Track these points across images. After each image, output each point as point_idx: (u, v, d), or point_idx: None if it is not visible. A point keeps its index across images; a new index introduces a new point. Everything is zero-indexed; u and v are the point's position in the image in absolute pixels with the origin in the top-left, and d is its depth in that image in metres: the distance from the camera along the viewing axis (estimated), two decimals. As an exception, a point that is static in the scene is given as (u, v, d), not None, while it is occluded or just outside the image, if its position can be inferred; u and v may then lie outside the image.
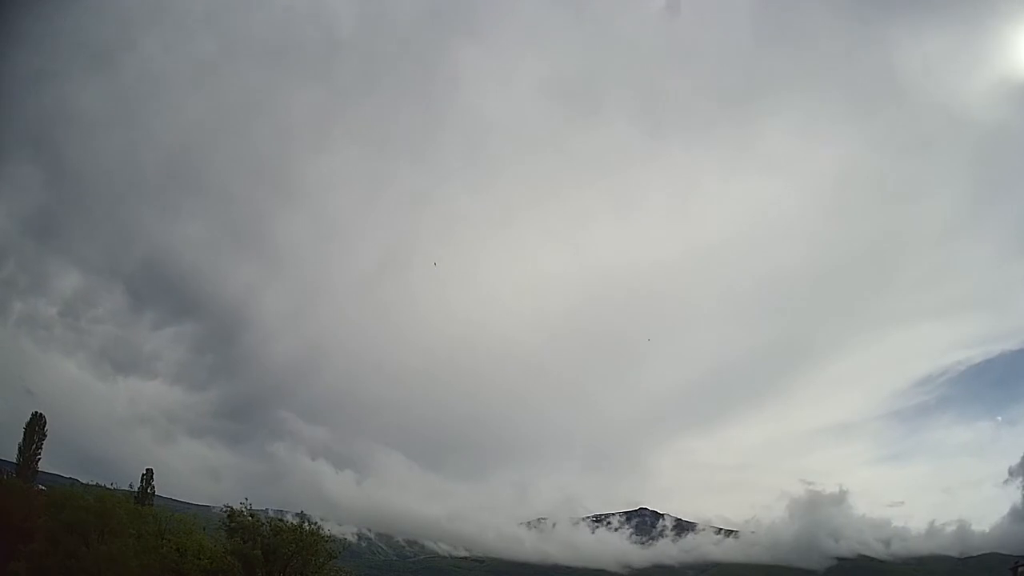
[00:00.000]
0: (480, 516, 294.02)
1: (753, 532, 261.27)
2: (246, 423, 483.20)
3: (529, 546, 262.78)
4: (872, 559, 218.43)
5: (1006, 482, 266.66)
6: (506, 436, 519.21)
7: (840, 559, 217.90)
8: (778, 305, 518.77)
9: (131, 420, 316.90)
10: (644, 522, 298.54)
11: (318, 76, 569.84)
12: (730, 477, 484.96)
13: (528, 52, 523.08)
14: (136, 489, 77.14)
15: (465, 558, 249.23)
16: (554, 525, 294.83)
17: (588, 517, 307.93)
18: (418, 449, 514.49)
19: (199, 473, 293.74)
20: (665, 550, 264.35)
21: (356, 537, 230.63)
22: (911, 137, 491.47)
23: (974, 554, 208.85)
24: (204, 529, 52.22)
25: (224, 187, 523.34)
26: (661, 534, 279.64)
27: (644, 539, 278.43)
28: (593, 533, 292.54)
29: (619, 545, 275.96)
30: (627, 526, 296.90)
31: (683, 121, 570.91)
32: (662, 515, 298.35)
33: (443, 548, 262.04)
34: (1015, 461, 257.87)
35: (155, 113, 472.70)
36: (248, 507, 47.74)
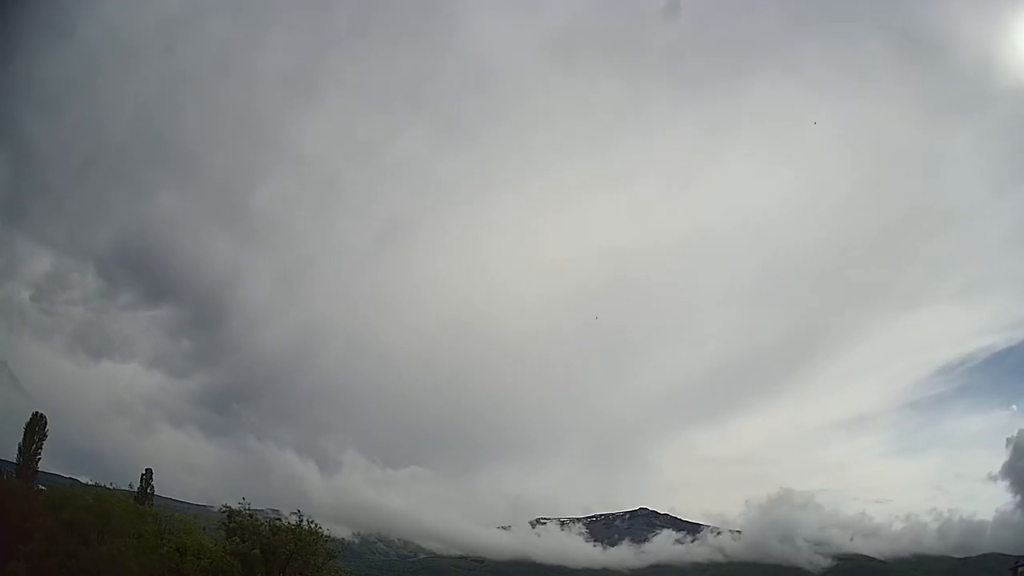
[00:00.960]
0: (467, 514, 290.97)
1: (739, 531, 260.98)
2: (228, 414, 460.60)
3: (518, 546, 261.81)
4: (872, 559, 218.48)
5: (994, 479, 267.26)
6: (498, 431, 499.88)
7: (840, 559, 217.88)
8: (790, 291, 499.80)
9: (107, 408, 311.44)
10: (644, 522, 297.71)
11: (299, 23, 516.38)
12: (738, 472, 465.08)
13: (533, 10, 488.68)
14: (136, 489, 77.33)
15: (464, 558, 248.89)
16: (542, 524, 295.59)
17: (585, 518, 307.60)
18: (408, 444, 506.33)
19: (176, 464, 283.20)
20: (663, 549, 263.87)
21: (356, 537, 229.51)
22: (933, 108, 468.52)
23: (974, 554, 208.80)
24: (204, 529, 52.32)
25: (198, 157, 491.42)
26: (658, 534, 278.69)
27: (642, 541, 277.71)
28: (589, 532, 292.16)
29: (616, 546, 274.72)
30: (624, 525, 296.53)
31: (687, 90, 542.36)
32: (661, 514, 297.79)
33: (435, 548, 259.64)
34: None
35: (118, 79, 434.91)
36: (247, 507, 47.82)
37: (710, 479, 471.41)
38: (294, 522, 46.73)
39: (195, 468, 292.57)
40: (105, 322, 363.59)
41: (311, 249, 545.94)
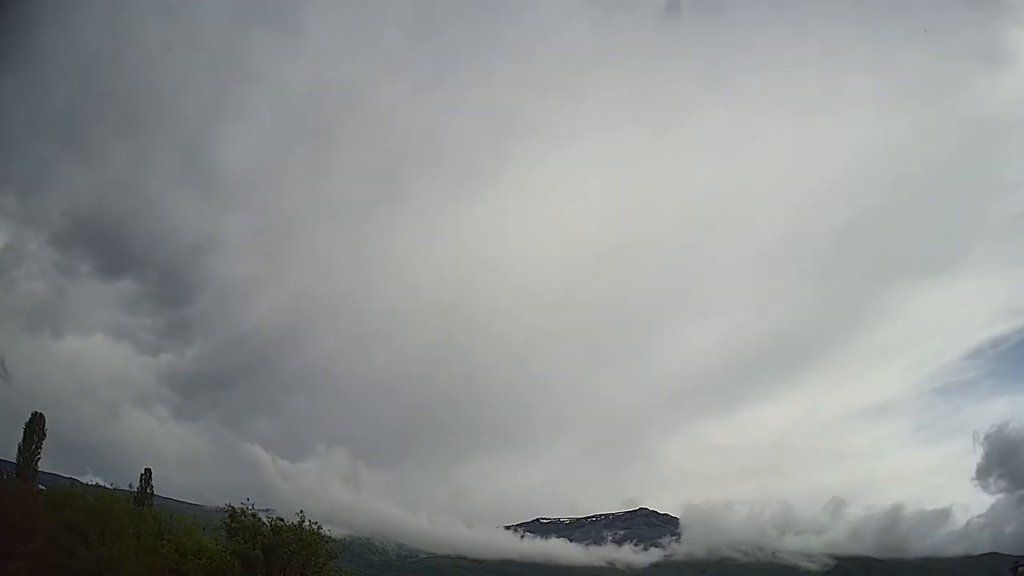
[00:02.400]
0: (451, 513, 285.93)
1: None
2: (198, 398, 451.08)
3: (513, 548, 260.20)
4: (872, 559, 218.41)
5: (974, 481, 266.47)
6: (490, 424, 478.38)
7: (840, 559, 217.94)
8: (812, 267, 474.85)
9: (71, 389, 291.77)
10: (644, 522, 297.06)
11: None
12: (750, 464, 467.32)
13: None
14: (135, 489, 77.36)
15: (464, 558, 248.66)
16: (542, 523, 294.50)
17: (585, 518, 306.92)
18: (392, 438, 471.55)
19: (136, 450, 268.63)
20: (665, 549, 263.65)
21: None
22: (981, 55, 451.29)
23: (974, 554, 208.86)
24: (204, 529, 52.25)
25: (156, 111, 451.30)
26: (662, 534, 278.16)
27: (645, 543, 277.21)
28: (584, 534, 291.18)
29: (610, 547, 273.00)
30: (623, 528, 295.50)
31: (708, 57, 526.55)
32: (660, 514, 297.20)
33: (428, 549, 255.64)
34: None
35: (59, 28, 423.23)
36: (250, 507, 47.69)
37: (721, 470, 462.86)
38: (295, 522, 46.67)
39: (160, 454, 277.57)
40: (64, 296, 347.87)
41: (293, 213, 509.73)
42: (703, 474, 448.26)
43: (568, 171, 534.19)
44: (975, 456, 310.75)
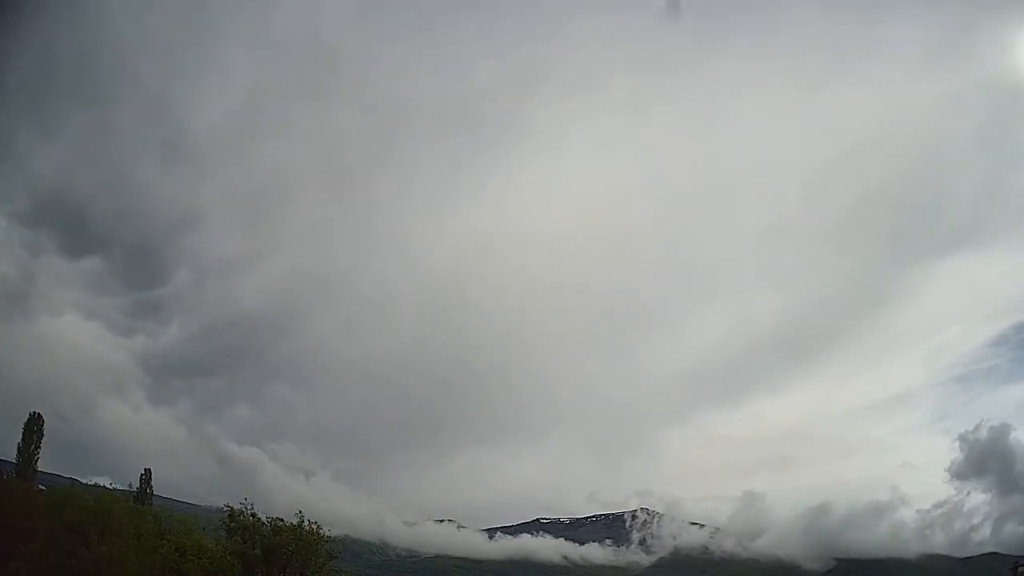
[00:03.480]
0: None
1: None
2: (169, 387, 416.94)
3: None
4: (872, 559, 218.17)
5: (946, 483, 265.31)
6: (487, 412, 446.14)
7: (840, 559, 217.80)
8: (823, 248, 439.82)
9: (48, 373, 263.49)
10: (644, 521, 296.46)
11: None
12: (759, 457, 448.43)
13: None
14: (135, 489, 77.40)
15: (464, 558, 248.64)
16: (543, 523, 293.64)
17: (585, 517, 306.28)
18: (384, 430, 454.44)
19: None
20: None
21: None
22: (1013, 18, 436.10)
23: (974, 554, 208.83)
24: (204, 529, 52.31)
25: (115, 73, 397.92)
26: (662, 533, 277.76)
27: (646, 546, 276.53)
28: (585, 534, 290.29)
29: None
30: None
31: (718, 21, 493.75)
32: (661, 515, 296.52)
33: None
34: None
35: None
36: (249, 507, 47.74)
37: (727, 464, 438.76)
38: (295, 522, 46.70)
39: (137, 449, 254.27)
40: (28, 277, 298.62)
41: (281, 181, 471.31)
42: (708, 468, 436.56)
43: (580, 154, 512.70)
44: (952, 454, 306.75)
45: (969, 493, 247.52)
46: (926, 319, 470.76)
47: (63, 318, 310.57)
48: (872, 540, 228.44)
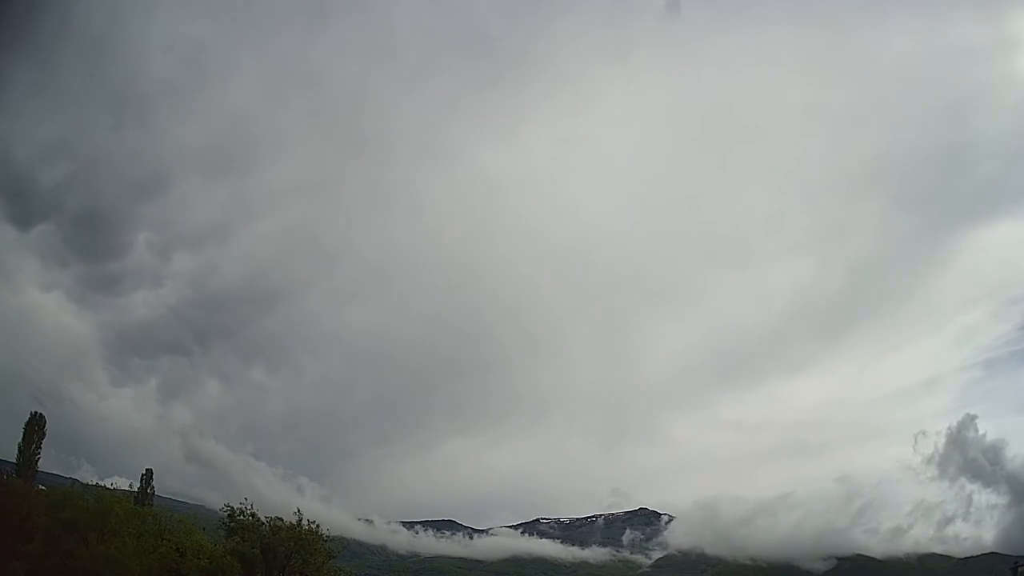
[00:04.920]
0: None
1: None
2: (129, 369, 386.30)
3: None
4: (872, 559, 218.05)
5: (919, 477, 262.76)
6: (468, 405, 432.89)
7: (840, 559, 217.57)
8: (851, 215, 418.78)
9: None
10: (644, 521, 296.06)
11: None
12: (774, 445, 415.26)
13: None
14: (135, 489, 77.68)
15: (464, 559, 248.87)
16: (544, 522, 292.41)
17: (585, 517, 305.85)
18: (372, 417, 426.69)
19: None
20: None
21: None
22: None
23: (975, 554, 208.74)
24: (204, 529, 52.37)
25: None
26: (662, 533, 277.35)
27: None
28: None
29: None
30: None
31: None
32: (661, 514, 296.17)
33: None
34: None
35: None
36: (249, 507, 47.75)
37: (740, 452, 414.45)
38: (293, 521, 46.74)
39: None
40: None
41: (266, 128, 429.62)
42: (718, 458, 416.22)
43: (602, 105, 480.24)
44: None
45: (972, 493, 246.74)
46: (960, 295, 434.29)
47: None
48: (872, 539, 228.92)
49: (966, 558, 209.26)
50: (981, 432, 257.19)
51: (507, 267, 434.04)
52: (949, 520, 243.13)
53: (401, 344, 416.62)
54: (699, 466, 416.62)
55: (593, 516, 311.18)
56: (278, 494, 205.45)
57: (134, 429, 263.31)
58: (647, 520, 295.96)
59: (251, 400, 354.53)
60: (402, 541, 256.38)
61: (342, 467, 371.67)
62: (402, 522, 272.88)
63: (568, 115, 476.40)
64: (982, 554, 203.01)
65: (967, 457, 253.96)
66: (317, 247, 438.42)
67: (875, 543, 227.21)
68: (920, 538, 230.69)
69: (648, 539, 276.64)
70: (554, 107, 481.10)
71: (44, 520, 48.87)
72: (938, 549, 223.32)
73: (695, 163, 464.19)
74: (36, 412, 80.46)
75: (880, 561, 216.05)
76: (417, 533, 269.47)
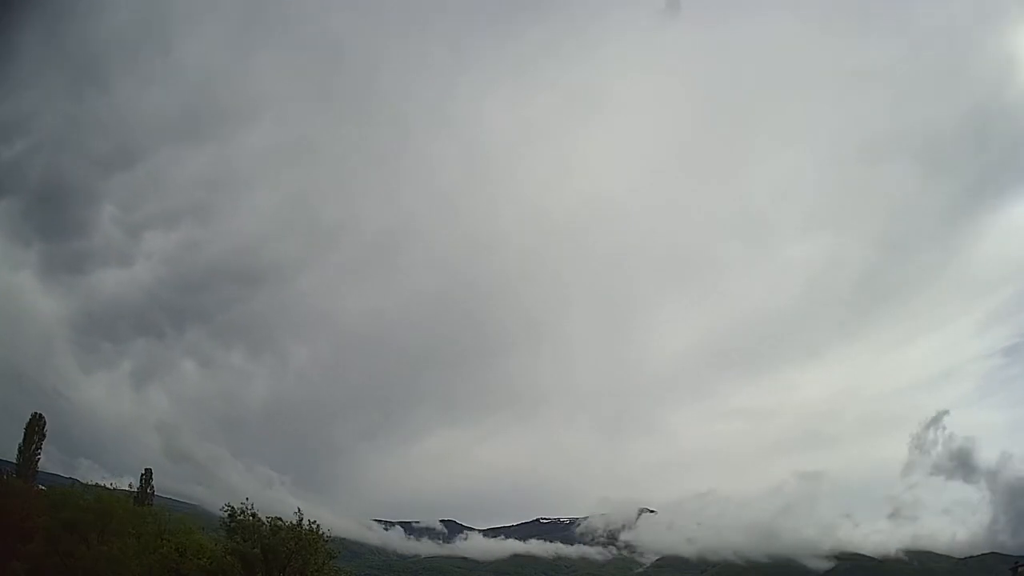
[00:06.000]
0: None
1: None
2: (99, 352, 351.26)
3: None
4: (871, 558, 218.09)
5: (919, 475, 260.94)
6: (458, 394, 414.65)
7: (839, 558, 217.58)
8: (875, 190, 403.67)
9: None
10: (645, 520, 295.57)
11: None
12: (783, 437, 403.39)
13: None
14: (135, 489, 77.70)
15: (465, 559, 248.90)
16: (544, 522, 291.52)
17: (585, 517, 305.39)
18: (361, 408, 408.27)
19: None
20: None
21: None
22: None
23: (974, 554, 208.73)
24: (203, 529, 52.41)
25: None
26: (663, 532, 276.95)
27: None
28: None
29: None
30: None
31: None
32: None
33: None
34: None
35: None
36: (250, 507, 47.71)
37: (747, 445, 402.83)
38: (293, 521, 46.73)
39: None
40: None
41: (240, 92, 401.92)
42: (723, 451, 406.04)
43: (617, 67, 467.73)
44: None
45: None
46: (985, 279, 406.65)
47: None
48: (873, 539, 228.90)
49: (965, 558, 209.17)
50: (947, 431, 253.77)
51: (508, 239, 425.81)
52: (948, 520, 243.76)
53: (397, 328, 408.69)
54: (702, 460, 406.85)
55: (593, 516, 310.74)
56: (255, 488, 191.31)
57: (106, 418, 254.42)
58: (646, 520, 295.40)
59: (231, 388, 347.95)
60: (396, 540, 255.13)
61: (330, 463, 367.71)
62: (402, 522, 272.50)
63: (574, 65, 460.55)
64: (982, 554, 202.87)
65: (955, 456, 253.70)
66: (313, 220, 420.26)
67: (875, 542, 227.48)
68: (920, 537, 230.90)
69: (648, 539, 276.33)
70: (560, 57, 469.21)
71: (45, 520, 48.87)
72: (937, 549, 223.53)
73: (709, 126, 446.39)
74: (36, 412, 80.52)
75: (879, 561, 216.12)
76: (416, 537, 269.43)
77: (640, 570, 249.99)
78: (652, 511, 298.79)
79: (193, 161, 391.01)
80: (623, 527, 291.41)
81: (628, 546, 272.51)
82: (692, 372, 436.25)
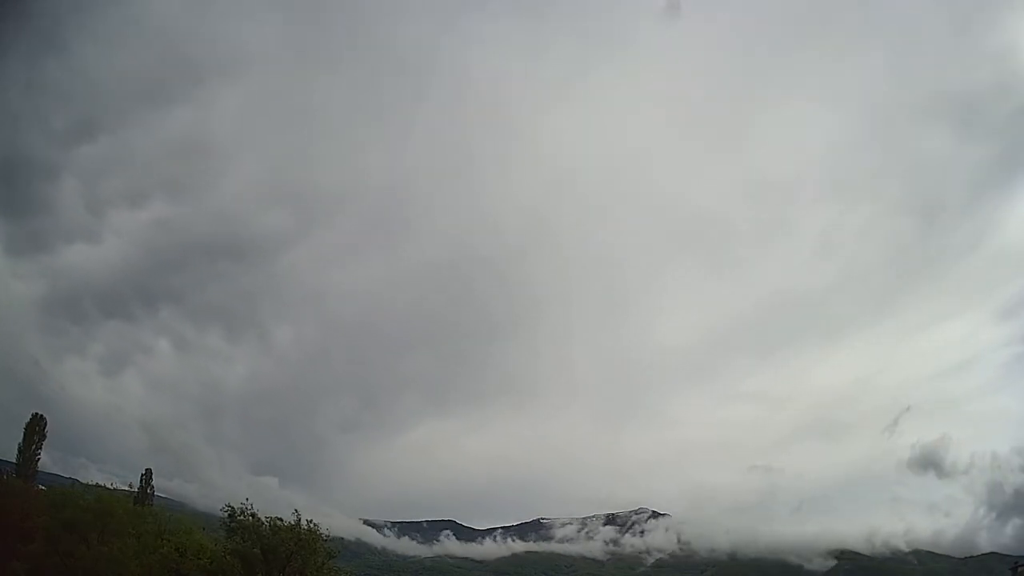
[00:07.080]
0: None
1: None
2: (68, 335, 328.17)
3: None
4: (871, 558, 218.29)
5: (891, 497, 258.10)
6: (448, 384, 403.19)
7: (839, 558, 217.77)
8: (892, 168, 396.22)
9: None
10: (645, 519, 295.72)
11: None
12: (797, 425, 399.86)
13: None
14: (135, 489, 77.63)
15: (465, 558, 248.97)
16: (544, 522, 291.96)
17: (585, 517, 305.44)
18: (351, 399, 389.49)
19: None
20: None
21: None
22: None
23: (974, 554, 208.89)
24: (203, 529, 52.43)
25: None
26: (663, 532, 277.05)
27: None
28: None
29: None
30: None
31: None
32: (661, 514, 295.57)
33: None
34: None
35: None
36: (249, 507, 47.70)
37: (757, 435, 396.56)
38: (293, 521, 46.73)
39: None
40: None
41: (221, 50, 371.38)
42: (729, 442, 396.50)
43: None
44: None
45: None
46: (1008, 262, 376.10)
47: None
48: (871, 539, 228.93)
49: (965, 558, 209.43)
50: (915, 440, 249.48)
51: (517, 204, 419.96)
52: (948, 519, 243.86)
53: (391, 307, 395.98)
54: (705, 451, 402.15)
55: (593, 516, 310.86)
56: (239, 484, 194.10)
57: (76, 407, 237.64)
58: (647, 519, 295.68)
59: (212, 374, 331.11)
60: (395, 540, 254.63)
61: (321, 460, 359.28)
62: (400, 523, 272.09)
63: (593, 15, 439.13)
64: (981, 554, 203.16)
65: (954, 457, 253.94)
66: (302, 190, 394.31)
67: (874, 542, 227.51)
68: (919, 537, 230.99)
69: (648, 539, 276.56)
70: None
71: (45, 520, 48.90)
72: (938, 549, 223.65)
73: (727, 85, 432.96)
74: (37, 413, 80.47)
75: (879, 561, 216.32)
76: (415, 538, 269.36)
77: (641, 570, 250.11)
78: (653, 511, 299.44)
79: (164, 128, 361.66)
80: (624, 527, 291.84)
81: (628, 545, 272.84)
82: (700, 355, 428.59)
